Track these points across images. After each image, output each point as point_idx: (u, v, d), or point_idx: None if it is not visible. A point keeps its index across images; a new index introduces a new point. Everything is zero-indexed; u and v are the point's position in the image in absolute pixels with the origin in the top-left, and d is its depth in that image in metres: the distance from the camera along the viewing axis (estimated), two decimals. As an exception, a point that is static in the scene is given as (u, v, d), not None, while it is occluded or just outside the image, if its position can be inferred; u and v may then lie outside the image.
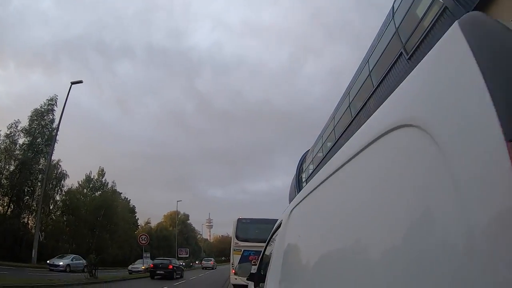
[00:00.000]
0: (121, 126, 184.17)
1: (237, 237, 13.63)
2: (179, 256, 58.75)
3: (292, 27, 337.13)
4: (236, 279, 12.41)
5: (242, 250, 12.99)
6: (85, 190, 48.66)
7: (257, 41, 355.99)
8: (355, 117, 19.65)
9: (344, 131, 22.11)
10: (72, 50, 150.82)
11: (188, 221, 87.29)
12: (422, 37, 10.95)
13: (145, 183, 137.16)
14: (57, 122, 30.50)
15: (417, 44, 11.49)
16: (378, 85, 15.54)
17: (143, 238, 30.69)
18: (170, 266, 27.45)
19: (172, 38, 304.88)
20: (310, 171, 34.12)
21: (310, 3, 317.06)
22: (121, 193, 56.23)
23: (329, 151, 26.94)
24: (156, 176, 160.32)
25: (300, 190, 39.80)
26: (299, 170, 40.57)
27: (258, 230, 13.98)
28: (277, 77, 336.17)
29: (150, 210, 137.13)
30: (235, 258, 13.10)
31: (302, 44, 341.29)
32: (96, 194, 49.32)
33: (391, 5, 14.51)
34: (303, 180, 38.46)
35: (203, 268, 56.17)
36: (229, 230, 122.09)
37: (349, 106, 20.93)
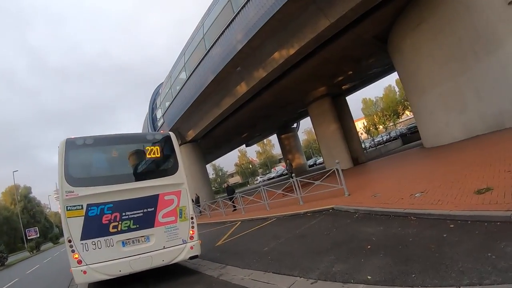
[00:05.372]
0: None
1: (68, 179, 6.45)
2: (28, 237, 46.82)
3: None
4: (84, 272, 6.23)
5: (85, 206, 6.39)
6: None
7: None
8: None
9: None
10: None
11: (31, 195, 72.02)
12: None
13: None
14: None
15: None
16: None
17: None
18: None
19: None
20: (167, 105, 29.53)
21: None
22: None
23: (195, 70, 22.46)
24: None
25: (155, 129, 34.21)
26: (153, 108, 35.39)
27: (115, 158, 7.41)
28: (118, 27, 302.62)
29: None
30: (73, 225, 6.31)
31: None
32: None
33: None
34: (157, 118, 33.56)
35: None
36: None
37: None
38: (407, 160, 16.81)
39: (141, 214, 6.68)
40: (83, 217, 6.33)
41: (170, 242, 6.84)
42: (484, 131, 13.58)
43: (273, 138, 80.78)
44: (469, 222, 5.10)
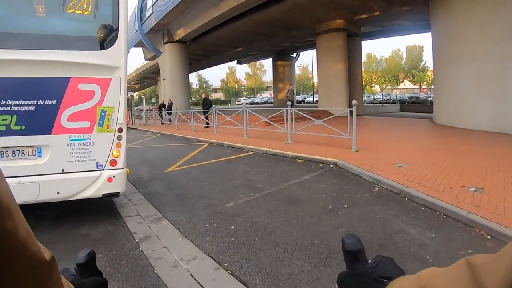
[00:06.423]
0: None
1: None
2: None
3: None
4: None
5: None
6: None
7: None
8: None
9: None
10: None
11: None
12: None
13: None
14: None
15: None
16: None
17: None
18: None
19: None
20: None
21: None
22: None
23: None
24: None
25: (142, 20, 29.94)
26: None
27: (9, 7, 3.76)
28: None
29: None
30: None
31: None
32: None
33: None
34: (147, 7, 29.18)
35: None
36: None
37: None
38: (419, 130, 14.10)
39: (33, 107, 3.71)
40: None
41: (75, 164, 3.98)
42: (516, 132, 11.21)
43: (266, 64, 76.60)
44: None
